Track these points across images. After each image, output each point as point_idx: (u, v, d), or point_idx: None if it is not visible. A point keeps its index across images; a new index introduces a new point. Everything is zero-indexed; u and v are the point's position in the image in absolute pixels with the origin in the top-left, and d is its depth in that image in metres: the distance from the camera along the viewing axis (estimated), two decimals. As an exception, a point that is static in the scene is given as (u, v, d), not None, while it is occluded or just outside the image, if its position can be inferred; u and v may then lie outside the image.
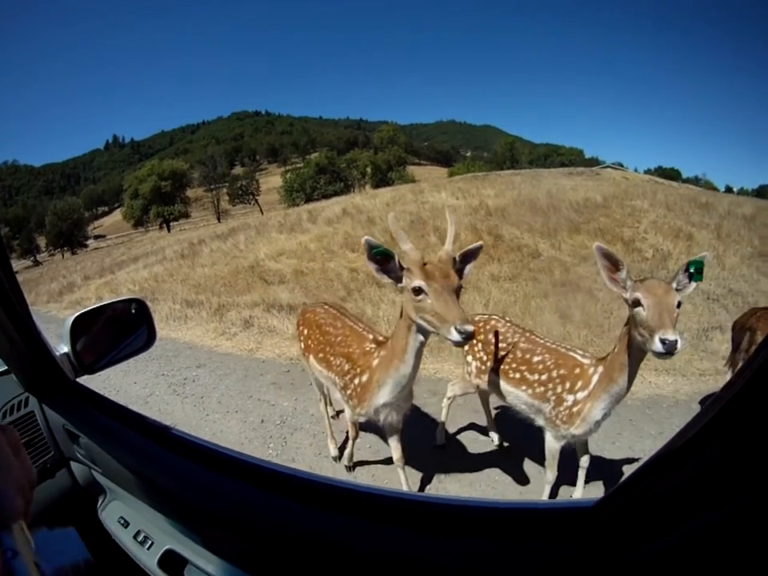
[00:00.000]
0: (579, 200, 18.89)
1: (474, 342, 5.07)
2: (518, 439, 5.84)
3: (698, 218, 17.18)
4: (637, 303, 3.35)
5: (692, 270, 3.33)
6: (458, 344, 3.11)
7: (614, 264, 3.47)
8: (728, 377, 6.68)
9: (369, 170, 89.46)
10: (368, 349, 4.47)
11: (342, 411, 6.30)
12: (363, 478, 5.53)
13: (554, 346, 4.57)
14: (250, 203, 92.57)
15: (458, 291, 3.30)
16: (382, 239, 14.99)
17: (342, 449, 5.93)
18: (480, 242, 3.77)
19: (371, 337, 4.65)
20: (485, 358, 4.99)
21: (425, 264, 3.31)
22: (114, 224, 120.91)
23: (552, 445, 4.48)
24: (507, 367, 4.73)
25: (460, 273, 3.49)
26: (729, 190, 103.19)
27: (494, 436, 5.99)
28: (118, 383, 8.12)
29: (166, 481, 1.98)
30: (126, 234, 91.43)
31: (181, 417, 7.03)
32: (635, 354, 3.62)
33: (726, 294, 11.38)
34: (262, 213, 66.92)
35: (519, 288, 11.88)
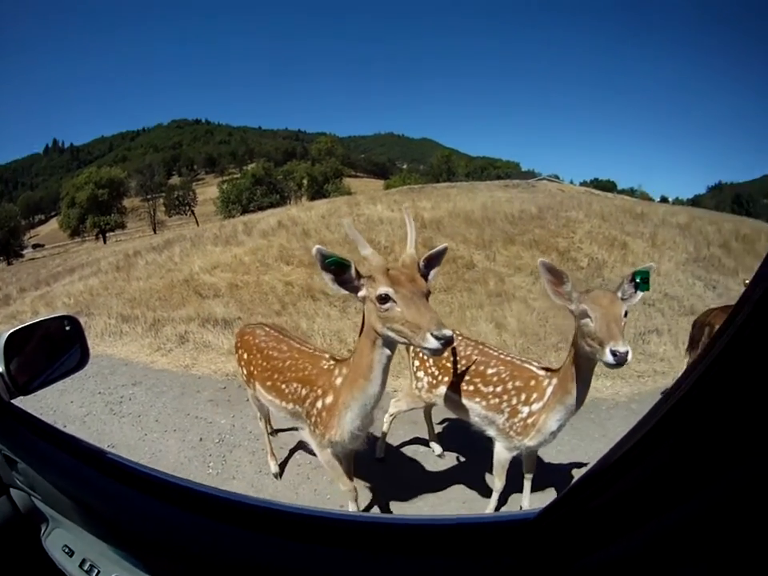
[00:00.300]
0: (514, 212, 19.14)
1: (425, 357, 5.02)
2: (461, 449, 5.96)
3: (633, 227, 17.60)
4: (584, 315, 3.40)
5: (638, 280, 3.44)
6: (436, 352, 2.95)
7: (557, 278, 3.54)
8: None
9: (305, 181, 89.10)
10: (327, 367, 4.16)
11: (284, 430, 6.36)
12: (305, 493, 5.54)
13: (509, 358, 4.60)
14: (186, 214, 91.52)
15: (427, 296, 3.14)
16: (317, 251, 15.11)
17: (282, 465, 5.94)
18: (445, 244, 3.76)
19: (327, 355, 4.36)
20: (436, 372, 4.93)
21: (388, 270, 3.18)
22: (51, 233, 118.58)
23: (503, 455, 4.53)
24: (460, 380, 4.70)
25: (425, 278, 3.32)
26: (664, 200, 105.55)
27: (436, 447, 6.05)
28: (55, 403, 7.94)
29: (102, 507, 1.93)
30: (63, 245, 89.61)
31: (119, 437, 6.91)
32: (584, 364, 3.68)
33: (661, 298, 11.83)
34: (198, 224, 66.30)
35: (454, 299, 12.00)
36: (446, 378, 4.83)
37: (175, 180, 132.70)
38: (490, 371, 4.53)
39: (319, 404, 4.01)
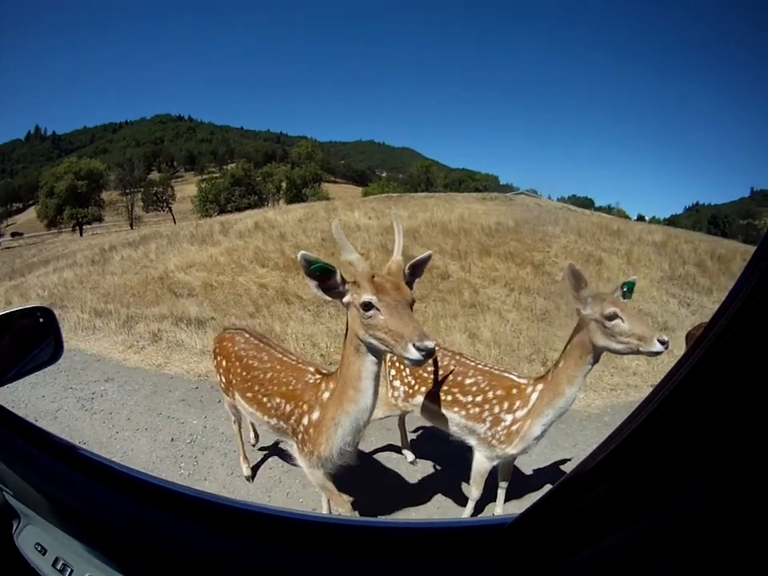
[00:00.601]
0: (491, 224, 19.27)
1: (401, 366, 5.03)
2: (435, 457, 5.98)
3: (609, 243, 17.81)
4: (614, 316, 3.57)
5: (625, 289, 3.77)
6: (417, 363, 2.93)
7: (579, 282, 3.74)
8: None
9: (284, 184, 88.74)
10: (312, 381, 3.99)
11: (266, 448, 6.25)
12: (278, 496, 5.51)
13: (487, 368, 4.62)
14: (163, 211, 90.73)
15: (411, 305, 3.11)
16: (292, 256, 14.96)
17: (254, 468, 5.89)
18: (429, 252, 3.69)
19: (311, 368, 4.17)
20: (413, 382, 4.91)
21: (373, 276, 3.12)
22: (28, 222, 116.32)
23: (483, 465, 4.52)
24: (438, 390, 4.69)
25: (409, 285, 3.31)
26: (641, 218, 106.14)
27: (408, 454, 6.04)
28: (26, 396, 7.83)
29: (75, 504, 1.88)
30: (39, 235, 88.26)
31: (90, 434, 6.82)
32: (587, 365, 3.80)
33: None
34: (175, 222, 65.77)
35: (429, 308, 11.97)
36: (423, 388, 4.80)
37: (155, 176, 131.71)
38: (468, 381, 4.54)
39: (305, 420, 3.85)
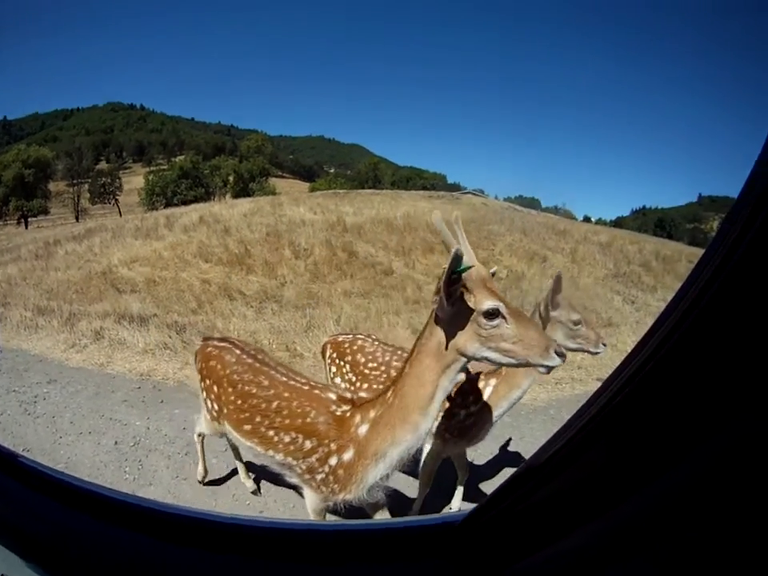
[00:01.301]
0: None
1: (342, 363, 4.93)
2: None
3: (555, 243, 18.14)
4: (580, 322, 3.98)
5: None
6: (551, 369, 2.85)
7: (559, 289, 4.02)
8: None
9: (231, 178, 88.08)
10: (339, 413, 3.37)
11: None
12: (224, 500, 5.39)
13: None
14: (110, 203, 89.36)
15: None
16: (236, 251, 14.90)
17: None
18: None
19: (331, 395, 3.52)
20: (354, 379, 4.80)
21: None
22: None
23: (431, 460, 4.53)
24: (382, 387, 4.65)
25: None
26: (587, 219, 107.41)
27: None
28: (-31, 402, 7.60)
29: (15, 517, 1.65)
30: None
31: (34, 440, 6.61)
32: None
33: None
34: (121, 215, 64.86)
35: (372, 304, 12.08)
36: (365, 385, 4.68)
37: (103, 166, 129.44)
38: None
39: (333, 461, 3.28)
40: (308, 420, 3.40)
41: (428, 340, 2.88)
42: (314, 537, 1.46)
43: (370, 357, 4.80)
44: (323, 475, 3.32)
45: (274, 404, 3.64)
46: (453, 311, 2.72)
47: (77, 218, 79.03)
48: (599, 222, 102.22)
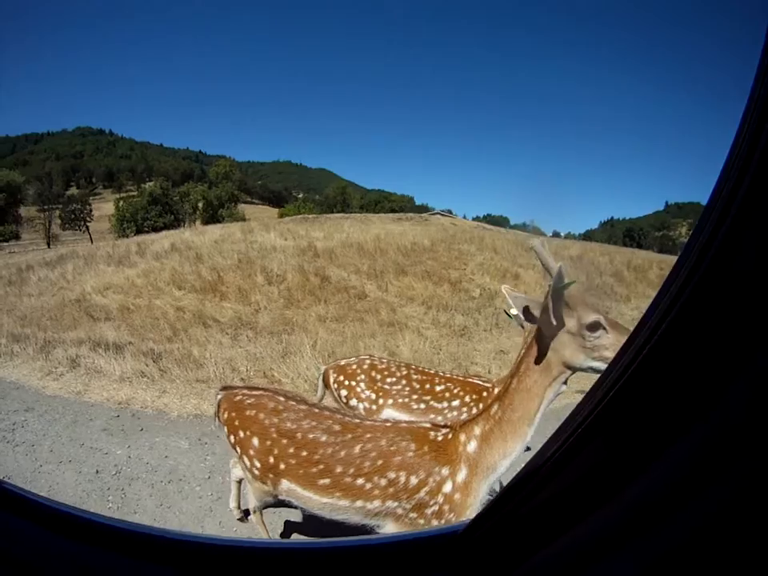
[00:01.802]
0: (407, 244, 19.52)
1: (353, 384, 4.95)
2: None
3: (526, 259, 18.31)
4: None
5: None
6: None
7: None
8: None
9: (201, 205, 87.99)
10: (441, 438, 3.22)
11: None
12: (210, 527, 5.22)
13: (452, 375, 4.72)
14: (80, 230, 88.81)
15: None
16: (209, 278, 14.84)
17: (185, 498, 5.65)
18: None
19: (427, 424, 3.37)
20: (375, 396, 4.83)
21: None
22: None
23: None
24: (407, 399, 4.68)
25: None
26: (556, 234, 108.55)
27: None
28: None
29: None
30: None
31: (14, 468, 6.45)
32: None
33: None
34: (92, 241, 64.45)
35: (347, 328, 12.06)
36: (390, 401, 4.73)
37: (73, 191, 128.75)
38: (438, 388, 4.60)
39: (448, 487, 3.08)
40: (409, 454, 3.18)
41: (533, 356, 2.98)
42: (311, 556, 1.42)
43: (386, 373, 4.88)
44: (436, 507, 3.10)
45: (357, 448, 3.31)
46: (557, 327, 2.81)
47: (48, 244, 78.33)
48: (568, 236, 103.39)
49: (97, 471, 6.28)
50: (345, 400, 5.00)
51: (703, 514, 0.85)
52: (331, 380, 5.12)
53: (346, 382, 5.01)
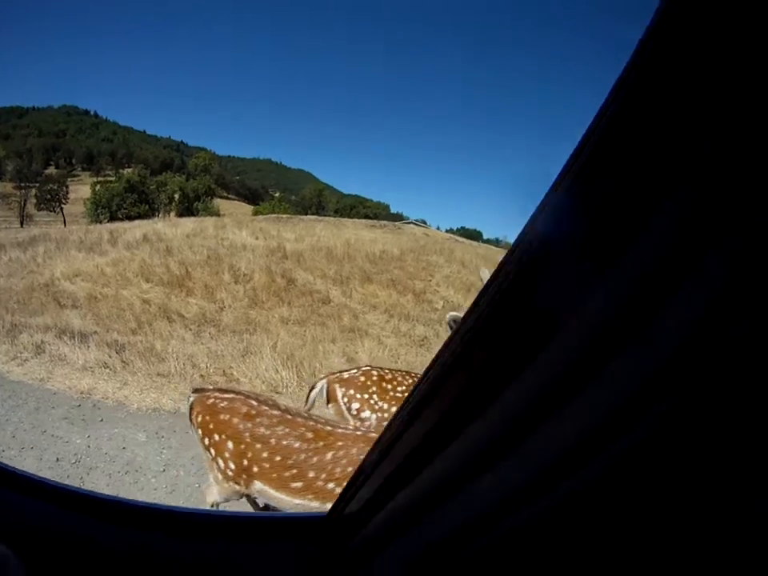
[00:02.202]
0: (376, 251, 19.55)
1: (365, 396, 5.00)
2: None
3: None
4: None
5: None
6: None
7: None
8: None
9: (177, 196, 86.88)
10: None
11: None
12: None
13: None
14: (55, 211, 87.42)
15: None
16: (177, 272, 14.81)
17: (141, 490, 5.74)
18: None
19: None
20: (386, 406, 4.90)
21: None
22: None
23: None
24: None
25: None
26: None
27: None
28: None
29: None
30: None
31: None
32: None
33: None
34: (65, 225, 63.49)
35: (308, 332, 12.08)
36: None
37: (52, 170, 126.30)
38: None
39: None
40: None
41: None
42: (217, 520, 1.60)
43: (395, 383, 5.00)
44: None
45: (329, 455, 3.50)
46: None
47: (21, 224, 77.02)
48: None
49: (57, 459, 6.36)
50: (356, 412, 5.04)
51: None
52: (339, 394, 5.12)
53: (358, 395, 5.05)
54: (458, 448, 0.89)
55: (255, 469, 3.73)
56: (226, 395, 4.14)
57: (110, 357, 9.59)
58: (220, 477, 4.03)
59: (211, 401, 4.12)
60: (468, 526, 0.93)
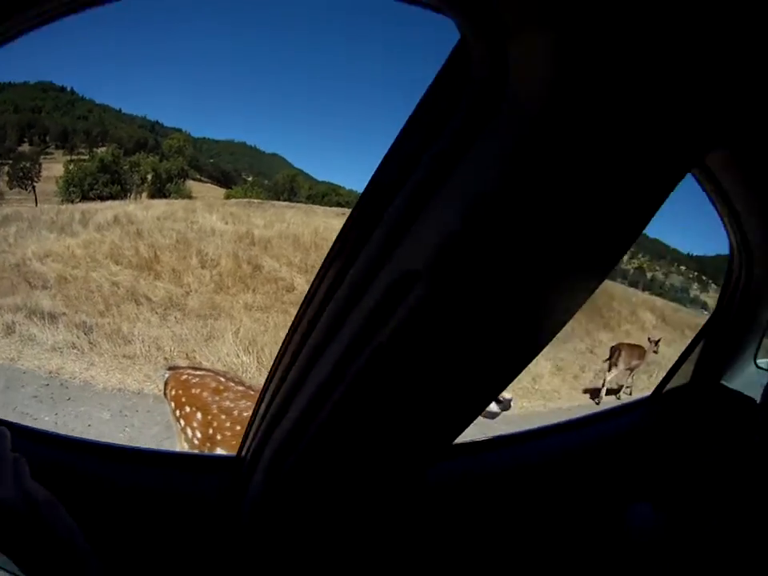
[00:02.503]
0: (344, 240, 19.24)
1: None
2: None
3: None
4: None
5: None
6: None
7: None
8: (608, 377, 11.04)
9: (150, 177, 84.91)
10: None
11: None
12: None
13: None
14: (27, 189, 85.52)
15: None
16: (146, 255, 14.77)
17: None
18: None
19: None
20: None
21: None
22: None
23: None
24: None
25: None
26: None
27: None
28: None
29: None
30: None
31: None
32: None
33: None
34: (37, 204, 62.12)
35: (270, 318, 12.26)
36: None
37: (25, 148, 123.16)
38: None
39: None
40: None
41: None
42: (157, 456, 1.76)
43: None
44: None
45: None
46: None
47: (-7, 202, 75.27)
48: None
49: (25, 435, 6.54)
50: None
51: None
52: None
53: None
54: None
55: (218, 437, 4.03)
56: (198, 372, 4.54)
57: (78, 338, 9.71)
58: (186, 446, 4.33)
59: (185, 377, 4.49)
60: (299, 423, 1.07)
